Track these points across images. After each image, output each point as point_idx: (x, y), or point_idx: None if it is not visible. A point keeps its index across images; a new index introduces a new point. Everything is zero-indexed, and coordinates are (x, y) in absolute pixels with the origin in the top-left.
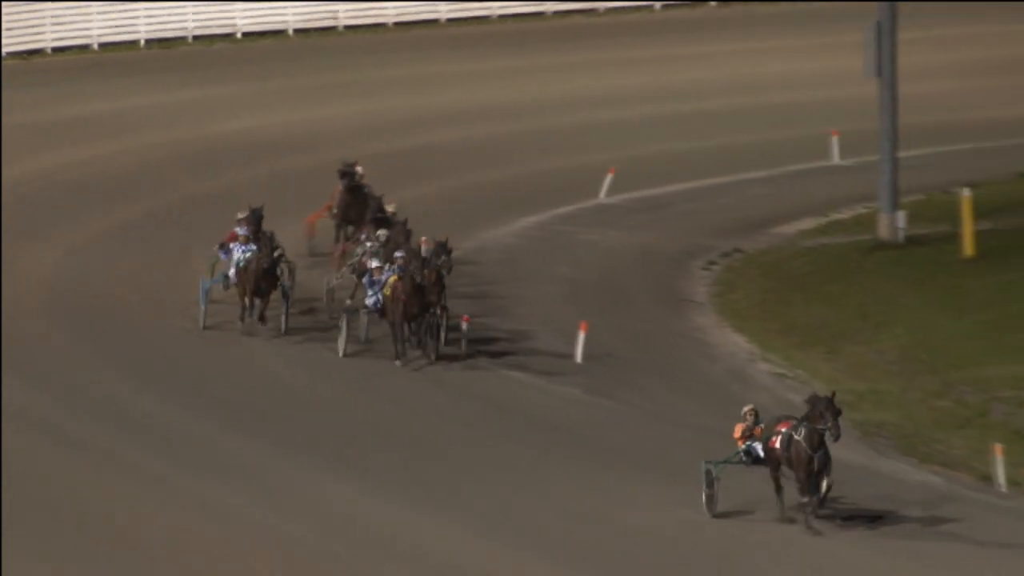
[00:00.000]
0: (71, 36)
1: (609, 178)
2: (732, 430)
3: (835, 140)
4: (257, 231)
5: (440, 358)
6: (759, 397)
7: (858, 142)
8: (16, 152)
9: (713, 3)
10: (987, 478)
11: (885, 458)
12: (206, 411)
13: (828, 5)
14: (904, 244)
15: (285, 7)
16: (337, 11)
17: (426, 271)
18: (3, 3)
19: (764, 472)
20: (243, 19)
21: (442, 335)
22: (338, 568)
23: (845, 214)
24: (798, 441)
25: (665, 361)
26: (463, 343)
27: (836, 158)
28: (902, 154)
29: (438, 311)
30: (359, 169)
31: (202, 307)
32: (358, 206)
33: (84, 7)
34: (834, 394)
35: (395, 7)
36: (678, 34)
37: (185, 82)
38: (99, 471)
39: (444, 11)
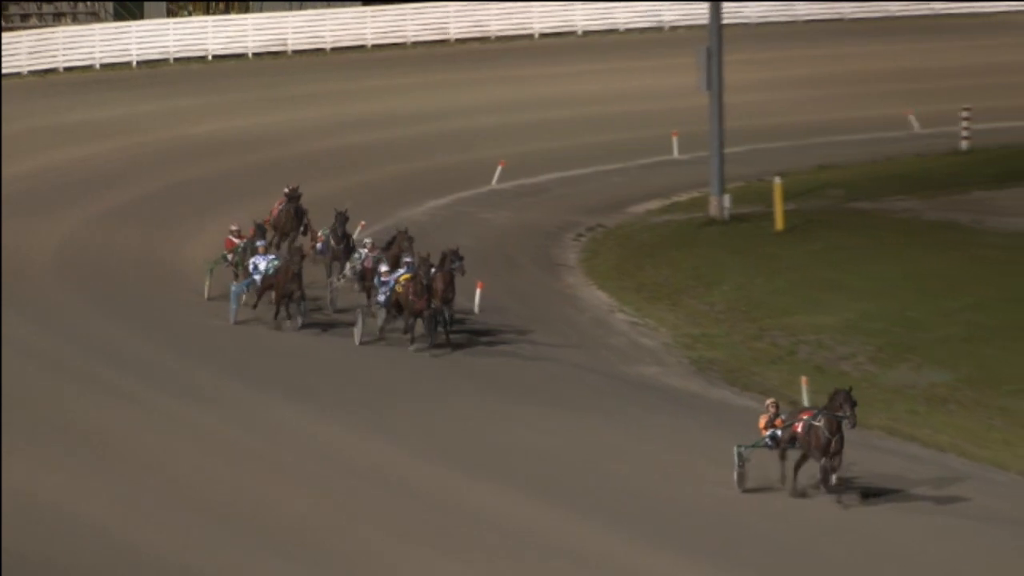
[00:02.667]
0: (78, 58)
1: (499, 169)
2: (755, 419)
3: (675, 140)
4: (266, 241)
5: (438, 344)
6: (617, 340)
7: (693, 141)
8: (33, 149)
9: (580, 34)
10: (795, 403)
11: (715, 387)
12: (199, 357)
13: (669, 34)
14: (729, 221)
15: (245, 35)
16: (286, 39)
17: (441, 273)
18: (25, 31)
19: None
20: (213, 44)
21: (447, 324)
22: (286, 474)
23: (683, 197)
24: (818, 427)
25: (544, 312)
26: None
27: (676, 153)
28: (727, 150)
29: (449, 306)
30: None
31: (233, 307)
32: (295, 222)
33: (88, 36)
34: (851, 389)
35: (331, 36)
36: (552, 56)
37: (167, 94)
38: (97, 398)
39: (370, 38)
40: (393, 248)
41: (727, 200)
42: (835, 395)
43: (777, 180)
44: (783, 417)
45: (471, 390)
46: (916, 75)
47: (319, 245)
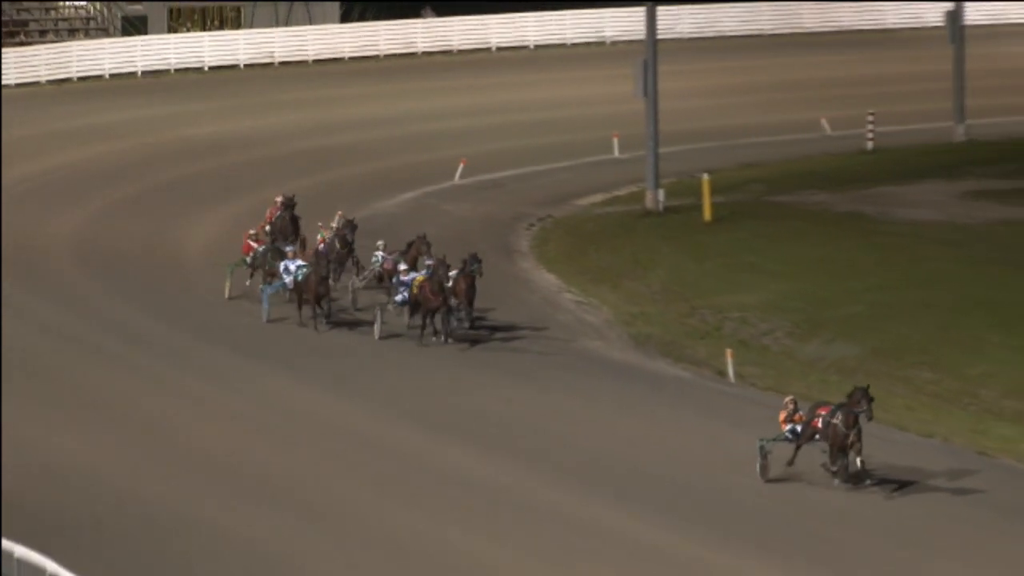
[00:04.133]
0: (90, 69)
1: (461, 167)
2: (777, 414)
3: (616, 141)
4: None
5: (449, 336)
6: (565, 318)
7: (631, 142)
8: (51, 150)
9: (532, 48)
10: (722, 373)
11: (652, 359)
12: (203, 336)
13: (610, 48)
14: (663, 212)
15: (237, 48)
16: (273, 52)
17: (463, 275)
18: (43, 44)
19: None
20: (209, 56)
21: (467, 320)
22: (274, 436)
23: (623, 191)
24: (835, 424)
25: (500, 292)
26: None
27: (616, 153)
28: (662, 150)
29: (471, 305)
30: (279, 199)
31: (265, 307)
32: (291, 227)
33: (99, 49)
34: (868, 387)
35: (313, 49)
36: (507, 68)
37: (168, 100)
38: (106, 368)
39: (347, 52)
40: (411, 251)
41: (662, 194)
42: (854, 392)
43: (705, 176)
44: (802, 413)
45: (436, 362)
46: (827, 84)
47: (321, 247)
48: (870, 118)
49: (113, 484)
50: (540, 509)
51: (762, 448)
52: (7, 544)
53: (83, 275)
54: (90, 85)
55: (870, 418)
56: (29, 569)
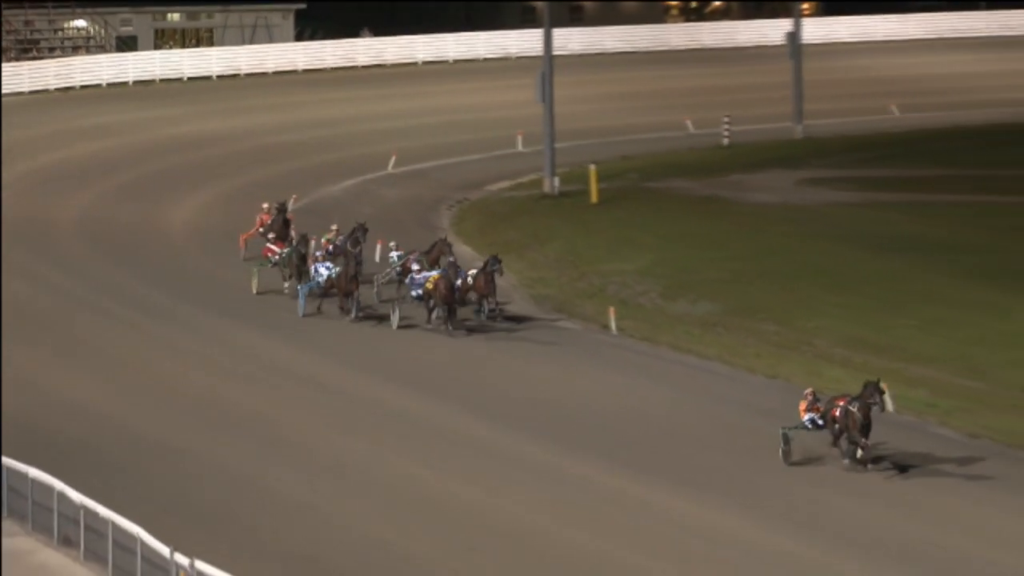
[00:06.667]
0: (90, 78)
1: (393, 159)
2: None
3: (520, 137)
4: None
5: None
6: None
7: (532, 138)
8: (58, 146)
9: (451, 62)
10: (606, 327)
11: (549, 315)
12: (187, 294)
13: (515, 62)
14: (558, 196)
15: (211, 63)
16: (240, 65)
17: (483, 274)
18: (52, 59)
19: (819, 435)
20: (188, 69)
21: (484, 311)
22: (247, 381)
23: (526, 179)
24: (853, 412)
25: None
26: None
27: (520, 147)
28: (557, 145)
29: (490, 299)
30: (265, 205)
31: (301, 303)
32: (283, 229)
33: (97, 62)
34: (879, 380)
35: (273, 63)
36: (430, 79)
37: (155, 105)
38: (106, 325)
39: (301, 65)
40: (433, 251)
41: (556, 181)
42: (867, 386)
43: (592, 167)
44: (820, 404)
45: (365, 324)
46: (691, 92)
47: (330, 248)
48: (725, 120)
49: (109, 417)
50: (463, 438)
51: (785, 435)
52: (22, 466)
53: (88, 247)
54: (90, 92)
55: (883, 409)
56: (40, 487)
